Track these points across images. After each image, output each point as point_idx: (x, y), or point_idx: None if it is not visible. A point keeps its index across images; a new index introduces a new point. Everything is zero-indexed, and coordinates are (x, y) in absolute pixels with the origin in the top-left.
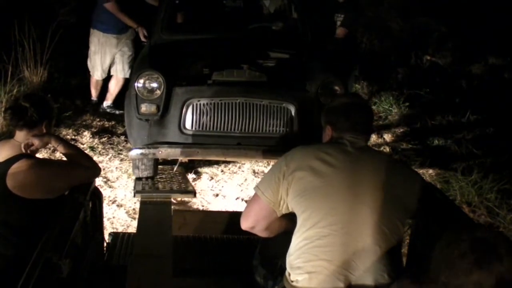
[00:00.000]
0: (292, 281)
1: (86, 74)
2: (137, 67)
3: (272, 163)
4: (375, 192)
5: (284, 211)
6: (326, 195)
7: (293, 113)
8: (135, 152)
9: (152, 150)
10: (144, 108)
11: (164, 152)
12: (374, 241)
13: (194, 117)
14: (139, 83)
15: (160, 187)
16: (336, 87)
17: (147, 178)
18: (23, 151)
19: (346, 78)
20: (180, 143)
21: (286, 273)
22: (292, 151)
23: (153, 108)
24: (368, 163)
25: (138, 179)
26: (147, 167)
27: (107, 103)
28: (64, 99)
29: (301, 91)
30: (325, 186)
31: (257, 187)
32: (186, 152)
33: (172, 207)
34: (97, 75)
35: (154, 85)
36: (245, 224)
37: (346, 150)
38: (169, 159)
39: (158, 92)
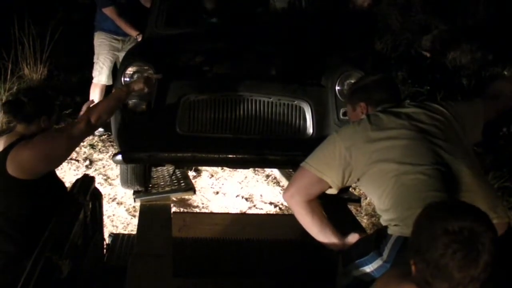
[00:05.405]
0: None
1: (86, 72)
2: (124, 59)
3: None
4: (444, 134)
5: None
6: (404, 150)
7: (306, 112)
8: (121, 157)
9: (141, 155)
10: (132, 105)
11: (155, 158)
12: (465, 168)
13: (191, 116)
14: (127, 77)
15: (160, 188)
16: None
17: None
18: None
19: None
20: (175, 146)
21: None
22: (342, 134)
23: (143, 106)
24: (421, 115)
25: None
26: (136, 176)
27: None
28: (64, 97)
29: (316, 86)
30: (398, 145)
31: (308, 164)
32: (181, 158)
33: (172, 209)
34: (105, 80)
35: None
36: (286, 193)
37: (395, 112)
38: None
39: None
